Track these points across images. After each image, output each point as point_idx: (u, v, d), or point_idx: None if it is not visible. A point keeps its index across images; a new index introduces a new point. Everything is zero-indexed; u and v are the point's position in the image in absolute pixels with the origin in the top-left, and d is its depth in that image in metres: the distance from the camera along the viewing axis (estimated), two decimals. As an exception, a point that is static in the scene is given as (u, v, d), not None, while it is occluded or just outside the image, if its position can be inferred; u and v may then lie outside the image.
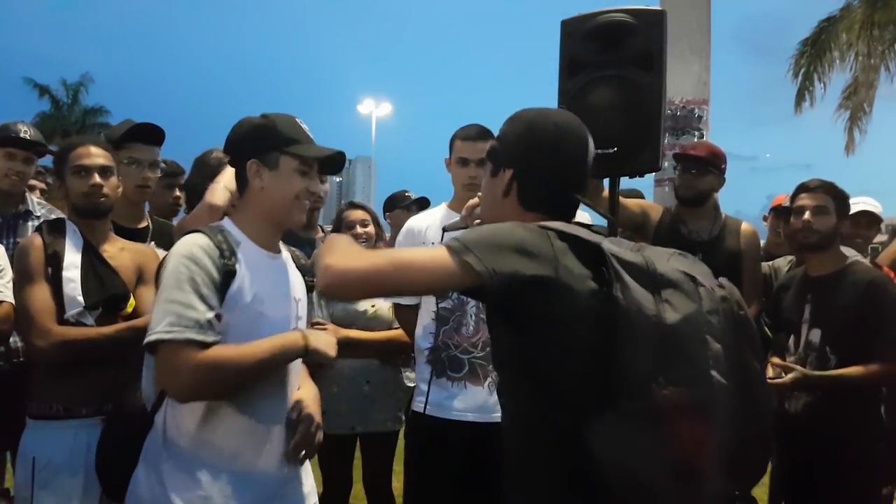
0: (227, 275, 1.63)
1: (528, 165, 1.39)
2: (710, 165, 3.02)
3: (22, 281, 2.10)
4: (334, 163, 1.80)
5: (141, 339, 1.85)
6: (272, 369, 1.68)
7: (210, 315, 1.57)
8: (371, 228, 3.14)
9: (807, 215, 2.62)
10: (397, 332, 2.86)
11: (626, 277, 1.19)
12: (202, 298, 1.57)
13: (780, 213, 3.72)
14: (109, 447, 1.80)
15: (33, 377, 2.14)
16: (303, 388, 1.86)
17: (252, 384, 1.66)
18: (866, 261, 2.90)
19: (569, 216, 1.41)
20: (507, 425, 1.39)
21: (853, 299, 2.52)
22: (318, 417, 1.81)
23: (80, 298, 2.07)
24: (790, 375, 2.50)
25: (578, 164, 1.41)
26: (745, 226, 3.11)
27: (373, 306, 2.92)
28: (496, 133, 2.58)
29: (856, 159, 14.63)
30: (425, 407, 2.37)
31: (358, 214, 3.17)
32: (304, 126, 1.78)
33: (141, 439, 1.69)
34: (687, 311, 1.20)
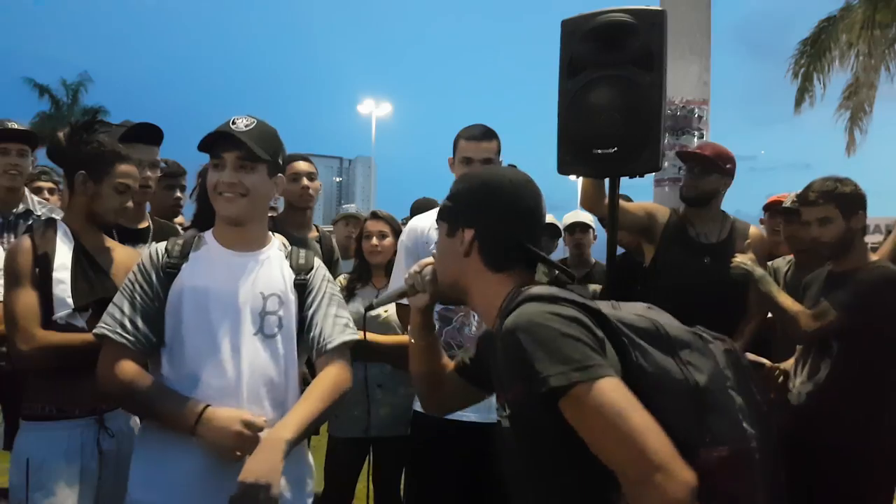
0: (170, 272, 1.80)
1: (488, 223, 1.37)
2: (713, 165, 2.99)
3: (9, 284, 2.07)
4: (233, 145, 1.77)
5: None
6: (161, 422, 1.76)
7: (137, 319, 1.76)
8: (389, 241, 3.03)
9: (813, 232, 2.60)
10: (397, 338, 2.85)
11: (645, 344, 1.19)
12: (132, 303, 1.78)
13: (776, 213, 3.71)
14: None
15: (27, 378, 2.11)
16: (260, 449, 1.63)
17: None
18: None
19: (532, 271, 1.41)
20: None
21: (860, 293, 2.48)
22: (266, 480, 1.56)
23: (70, 300, 2.05)
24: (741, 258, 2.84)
25: (536, 217, 1.41)
26: (753, 229, 3.09)
27: (385, 311, 2.92)
28: (499, 134, 2.60)
29: (856, 159, 14.62)
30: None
31: (377, 226, 3.08)
32: (232, 119, 1.81)
33: None
34: (709, 369, 1.21)
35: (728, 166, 3.04)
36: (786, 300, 2.65)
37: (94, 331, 1.78)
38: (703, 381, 1.19)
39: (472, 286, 1.40)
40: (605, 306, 1.27)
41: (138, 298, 1.78)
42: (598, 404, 1.10)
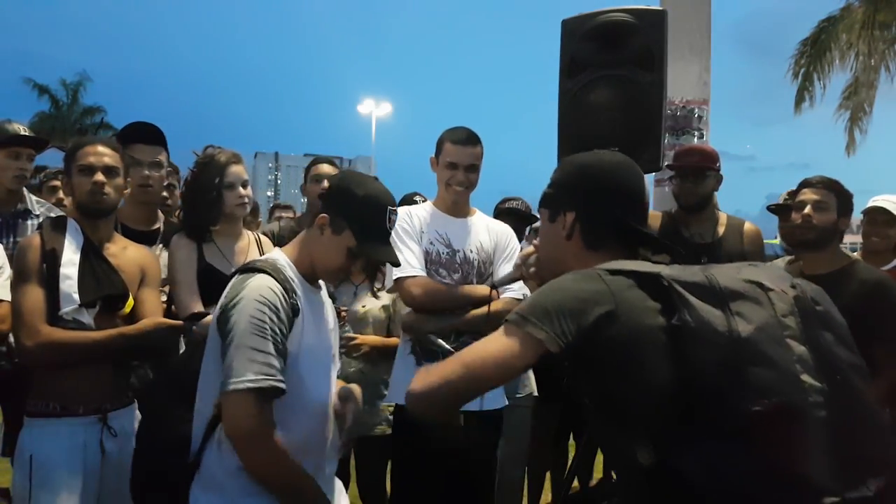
0: (293, 313, 1.64)
1: (589, 205, 1.42)
2: (706, 170, 2.96)
3: (17, 280, 2.09)
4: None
5: (131, 346, 1.84)
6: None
7: (281, 363, 1.57)
8: None
9: (807, 209, 2.57)
10: (383, 340, 2.92)
11: (692, 299, 1.19)
12: (276, 347, 1.56)
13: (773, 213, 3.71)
14: (143, 474, 1.76)
15: (33, 375, 2.12)
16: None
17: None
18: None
19: (634, 250, 1.44)
20: (618, 478, 1.36)
21: (859, 297, 2.43)
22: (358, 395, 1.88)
23: (76, 296, 2.06)
24: None
25: (639, 197, 1.45)
26: (748, 225, 3.06)
27: (364, 307, 2.94)
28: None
29: (856, 159, 14.64)
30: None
31: None
32: (391, 218, 1.74)
33: (175, 466, 1.66)
34: (760, 319, 1.18)
35: (717, 165, 3.02)
36: None
37: (260, 384, 1.51)
38: (748, 332, 1.16)
39: (573, 268, 1.38)
40: (671, 269, 1.27)
41: (280, 340, 1.59)
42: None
